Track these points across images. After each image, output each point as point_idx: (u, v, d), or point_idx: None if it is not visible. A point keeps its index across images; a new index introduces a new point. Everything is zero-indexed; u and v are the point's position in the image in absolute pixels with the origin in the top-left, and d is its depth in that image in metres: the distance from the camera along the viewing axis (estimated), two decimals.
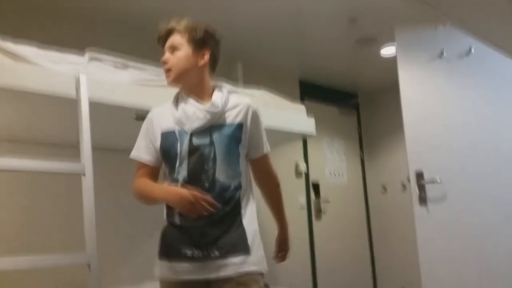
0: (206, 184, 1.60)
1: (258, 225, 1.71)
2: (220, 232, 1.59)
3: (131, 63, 2.40)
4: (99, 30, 3.29)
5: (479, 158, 2.90)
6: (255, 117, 1.74)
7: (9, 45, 2.01)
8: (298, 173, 4.44)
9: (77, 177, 1.97)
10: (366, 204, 5.18)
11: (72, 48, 2.29)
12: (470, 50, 2.97)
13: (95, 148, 2.01)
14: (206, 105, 1.67)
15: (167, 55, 1.71)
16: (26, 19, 2.96)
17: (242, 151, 1.71)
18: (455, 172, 2.88)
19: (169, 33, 1.72)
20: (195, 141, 1.63)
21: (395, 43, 3.08)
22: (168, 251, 1.64)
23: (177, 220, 1.63)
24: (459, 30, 2.16)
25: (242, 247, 1.59)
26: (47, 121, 2.51)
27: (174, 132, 1.67)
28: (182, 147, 1.63)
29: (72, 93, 2.05)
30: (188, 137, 1.64)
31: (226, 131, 1.66)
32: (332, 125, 4.96)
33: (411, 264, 3.19)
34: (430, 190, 2.84)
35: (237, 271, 1.56)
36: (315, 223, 4.50)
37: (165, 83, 2.45)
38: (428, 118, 2.96)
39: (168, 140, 1.67)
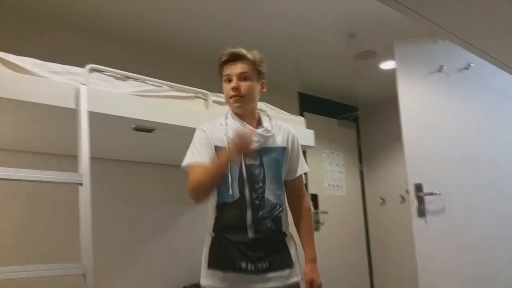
0: (257, 202, 1.68)
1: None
2: (270, 250, 1.70)
3: (131, 74, 2.41)
4: (101, 43, 3.31)
5: (477, 170, 2.90)
6: (295, 141, 1.87)
7: (10, 56, 2.03)
8: None
9: (74, 186, 1.98)
10: (365, 216, 5.17)
11: (73, 59, 2.30)
12: (469, 64, 3.00)
13: (93, 158, 2.02)
14: (259, 129, 1.76)
15: (237, 82, 1.76)
16: (28, 31, 2.98)
17: (284, 173, 1.81)
18: (454, 184, 2.88)
19: (237, 59, 1.78)
20: (247, 161, 1.71)
21: (395, 57, 3.10)
22: (222, 262, 1.69)
23: (230, 235, 1.68)
24: (458, 45, 2.17)
25: (288, 264, 1.74)
26: (46, 131, 2.52)
27: (226, 149, 1.70)
28: (235, 166, 1.69)
29: (72, 103, 2.06)
30: (241, 157, 1.69)
31: (274, 153, 1.77)
32: (332, 137, 4.96)
33: (409, 276, 3.18)
34: (428, 202, 2.85)
35: (284, 283, 1.70)
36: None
37: (165, 93, 2.50)
38: (427, 131, 2.97)
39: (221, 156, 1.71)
